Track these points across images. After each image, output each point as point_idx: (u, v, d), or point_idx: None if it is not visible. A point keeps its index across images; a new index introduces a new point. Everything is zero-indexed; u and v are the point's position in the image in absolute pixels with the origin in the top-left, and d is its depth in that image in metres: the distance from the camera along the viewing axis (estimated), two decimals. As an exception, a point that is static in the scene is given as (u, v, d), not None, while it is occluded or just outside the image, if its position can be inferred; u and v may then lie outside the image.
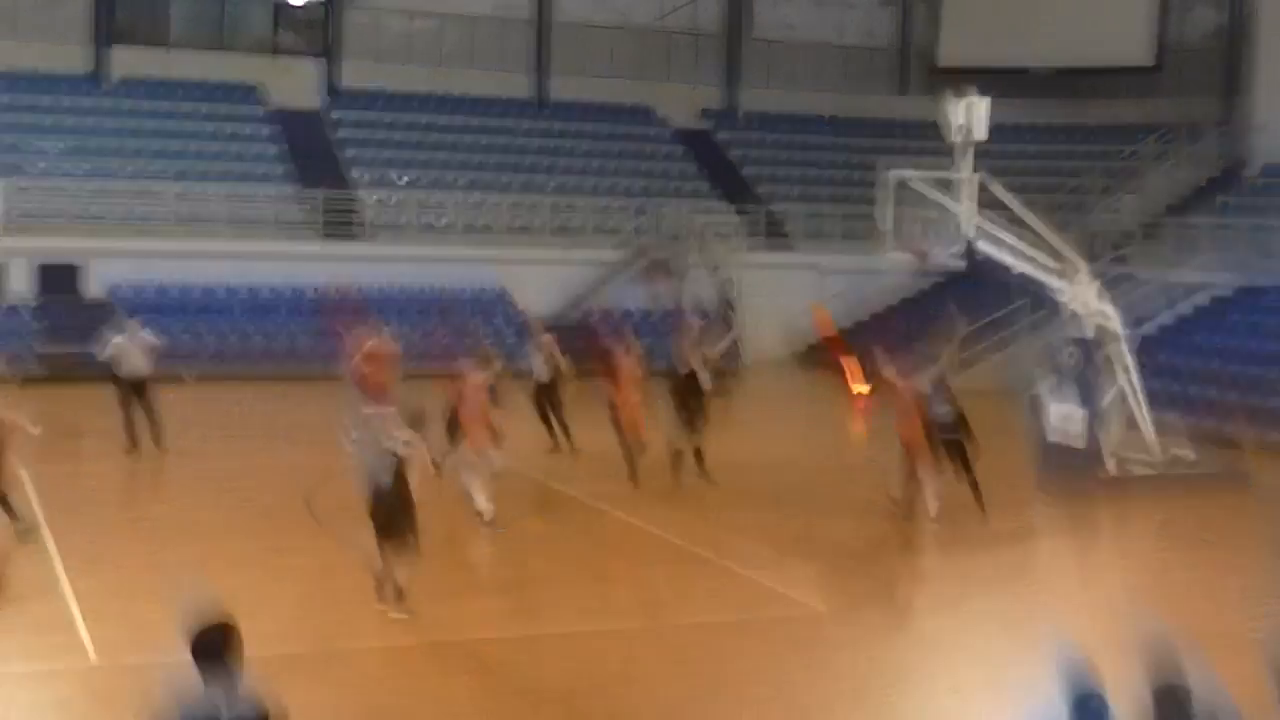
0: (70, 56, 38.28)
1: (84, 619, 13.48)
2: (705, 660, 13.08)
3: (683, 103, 43.67)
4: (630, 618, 14.30)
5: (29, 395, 29.29)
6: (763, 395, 33.33)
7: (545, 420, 22.64)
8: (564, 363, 22.49)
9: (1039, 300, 23.86)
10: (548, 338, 23.06)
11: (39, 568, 15.24)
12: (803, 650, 13.46)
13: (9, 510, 16.07)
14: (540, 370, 22.59)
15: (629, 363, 20.26)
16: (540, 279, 36.11)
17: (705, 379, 20.55)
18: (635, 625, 14.06)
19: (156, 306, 32.81)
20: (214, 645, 6.33)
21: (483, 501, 17.25)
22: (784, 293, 38.26)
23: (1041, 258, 21.89)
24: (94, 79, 38.49)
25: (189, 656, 6.37)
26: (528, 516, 18.90)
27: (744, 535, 18.12)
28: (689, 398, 20.42)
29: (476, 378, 17.96)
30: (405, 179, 38.08)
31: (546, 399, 22.65)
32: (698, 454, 20.71)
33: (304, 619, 13.82)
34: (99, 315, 32.15)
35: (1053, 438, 21.83)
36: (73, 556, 15.72)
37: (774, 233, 39.80)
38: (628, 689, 12.21)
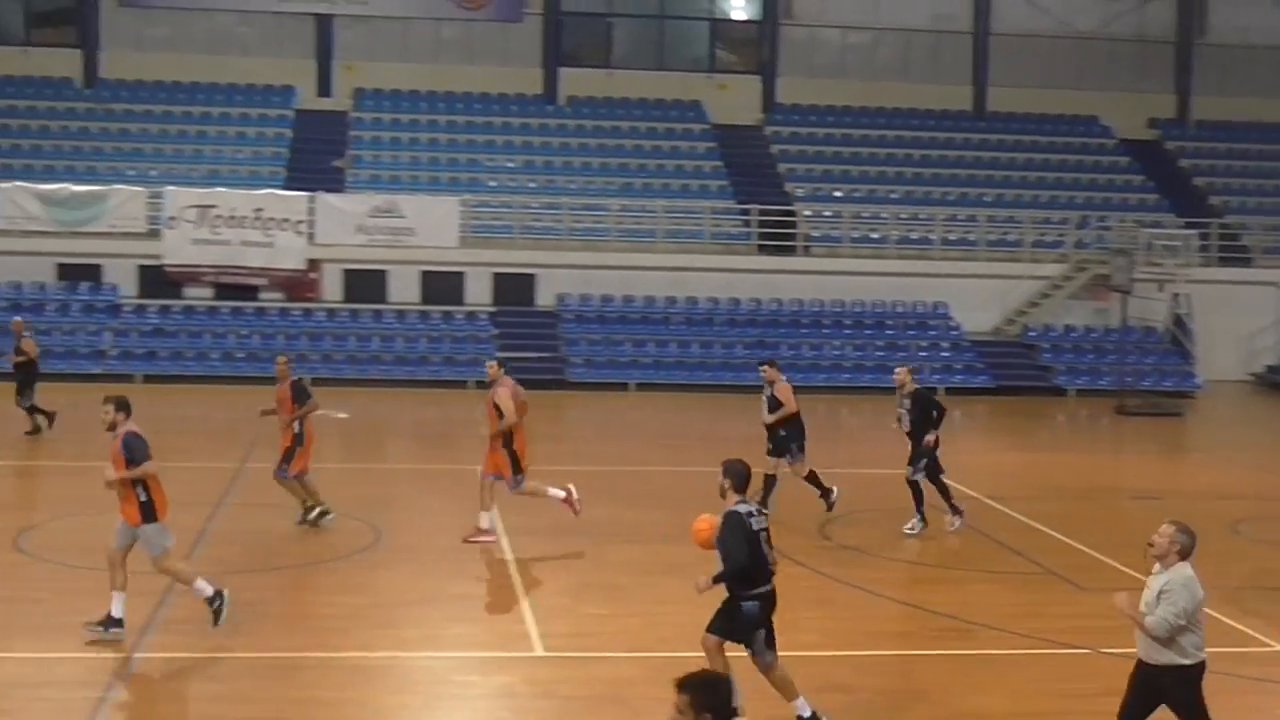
0: (523, 79, 40.30)
1: (533, 614, 14.02)
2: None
3: (1129, 111, 41.96)
4: (1071, 643, 13.69)
5: (484, 398, 31.10)
6: (1217, 421, 31.60)
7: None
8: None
9: None
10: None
11: (496, 564, 16.01)
12: (1259, 690, 12.57)
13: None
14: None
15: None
16: (978, 294, 35.43)
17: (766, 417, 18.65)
18: (1078, 652, 13.46)
19: (599, 317, 34.15)
20: (720, 695, 6.38)
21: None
22: (1241, 311, 36.15)
23: None
24: (545, 99, 40.33)
25: (699, 704, 6.41)
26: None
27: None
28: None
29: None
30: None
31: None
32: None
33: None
34: (548, 323, 33.86)
35: None
36: (526, 555, 16.39)
37: (1229, 247, 37.60)
38: (1064, 715, 11.71)
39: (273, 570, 15.62)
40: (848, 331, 34.84)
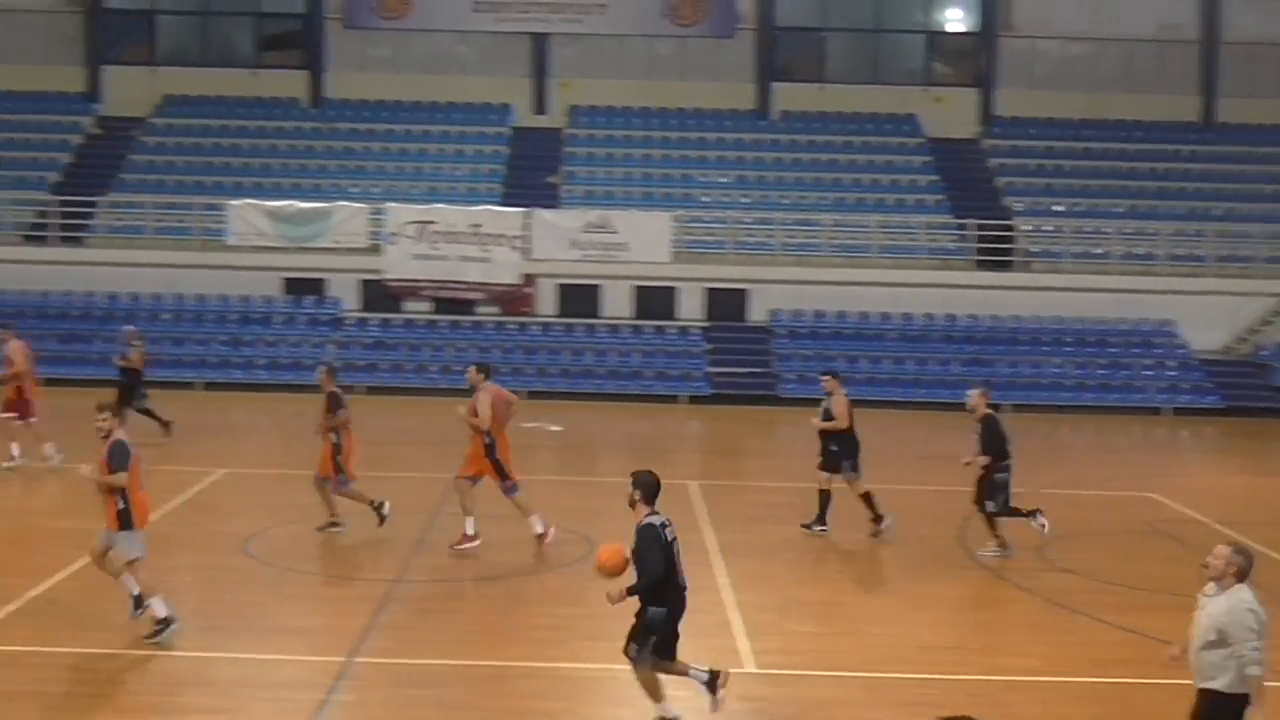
0: (736, 94, 40.34)
1: (743, 630, 13.94)
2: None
3: (1370, 121, 40.13)
4: None
5: (696, 413, 31.20)
6: None
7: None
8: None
9: None
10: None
11: (705, 579, 15.95)
12: None
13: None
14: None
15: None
16: (1207, 311, 34.22)
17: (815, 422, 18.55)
18: None
19: (813, 333, 33.94)
20: None
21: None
22: None
23: None
24: (757, 114, 40.31)
25: None
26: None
27: None
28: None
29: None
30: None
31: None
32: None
33: (961, 648, 13.64)
34: (761, 339, 33.78)
35: None
36: (735, 571, 16.32)
37: None
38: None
39: (487, 580, 15.83)
40: (1068, 349, 33.98)
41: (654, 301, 34.53)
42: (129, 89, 40.24)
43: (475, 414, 16.67)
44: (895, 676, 12.72)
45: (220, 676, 12.34)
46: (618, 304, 34.69)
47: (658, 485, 11.09)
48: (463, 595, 15.26)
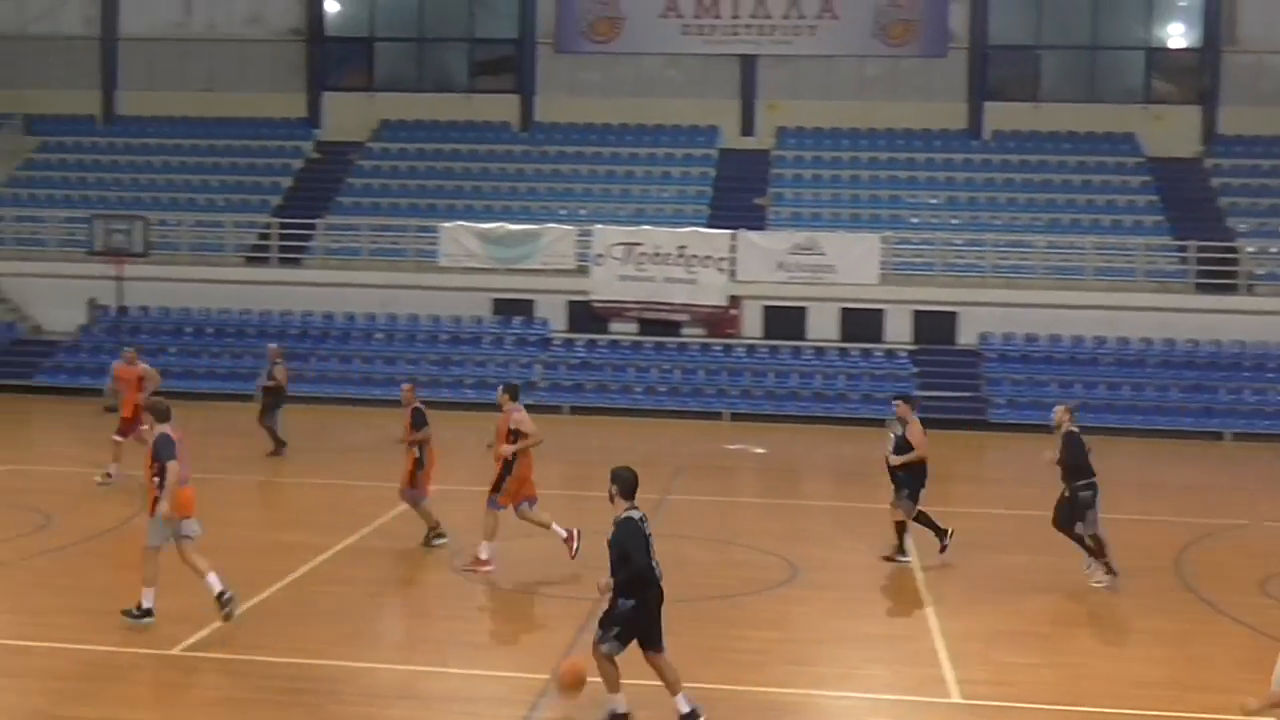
0: (947, 114, 39.77)
1: (948, 658, 13.63)
2: None
3: None
4: None
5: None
6: None
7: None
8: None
9: None
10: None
11: (910, 606, 15.71)
12: None
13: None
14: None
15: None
16: None
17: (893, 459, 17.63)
18: None
19: (1024, 356, 33.20)
20: None
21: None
22: None
23: None
24: (969, 134, 39.66)
25: None
26: None
27: None
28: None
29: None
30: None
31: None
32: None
33: (1176, 684, 13.12)
34: (970, 362, 33.15)
35: None
36: (939, 598, 16.01)
37: None
38: None
39: (689, 601, 15.73)
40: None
41: (860, 324, 34.16)
42: (347, 114, 41.50)
43: (526, 436, 16.55)
44: (1107, 711, 12.29)
45: (423, 690, 12.50)
46: (824, 326, 34.40)
47: (635, 481, 11.41)
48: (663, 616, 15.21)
